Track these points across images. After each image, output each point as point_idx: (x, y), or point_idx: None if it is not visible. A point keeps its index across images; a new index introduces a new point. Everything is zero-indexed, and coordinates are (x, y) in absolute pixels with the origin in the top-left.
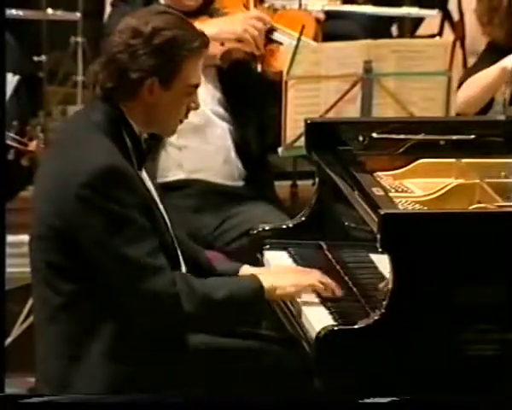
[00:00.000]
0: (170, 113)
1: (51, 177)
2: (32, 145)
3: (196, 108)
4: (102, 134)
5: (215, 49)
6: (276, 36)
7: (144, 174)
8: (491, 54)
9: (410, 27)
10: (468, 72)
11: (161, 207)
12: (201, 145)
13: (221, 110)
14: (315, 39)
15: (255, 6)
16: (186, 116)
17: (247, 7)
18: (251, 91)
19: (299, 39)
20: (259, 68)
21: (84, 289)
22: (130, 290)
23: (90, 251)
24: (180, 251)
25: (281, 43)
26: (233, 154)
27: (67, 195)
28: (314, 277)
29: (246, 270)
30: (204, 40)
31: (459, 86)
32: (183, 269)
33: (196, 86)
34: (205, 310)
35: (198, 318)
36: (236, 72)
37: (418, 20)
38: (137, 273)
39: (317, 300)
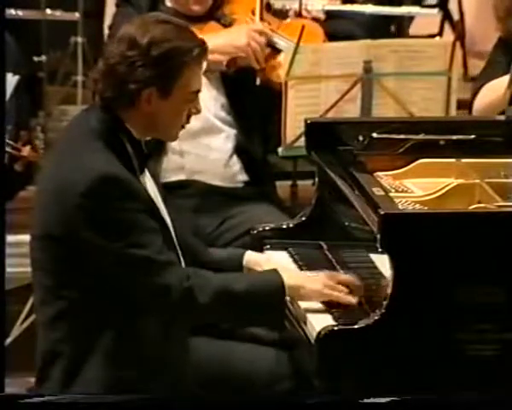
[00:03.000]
0: (170, 120)
1: (50, 184)
2: (26, 150)
3: (197, 112)
4: (100, 141)
5: (221, 56)
6: (281, 45)
7: (147, 177)
8: (504, 51)
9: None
10: (483, 74)
11: (163, 210)
12: (203, 150)
13: (224, 115)
14: None
15: (261, 14)
16: (188, 121)
17: (255, 13)
18: (255, 96)
19: (299, 39)
20: (258, 81)
21: (84, 296)
22: (143, 290)
23: (95, 259)
24: (187, 256)
25: (280, 51)
26: (234, 157)
27: (67, 205)
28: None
29: (249, 256)
30: (203, 48)
31: (476, 92)
32: None
33: (197, 92)
34: (221, 303)
35: (214, 311)
36: (241, 76)
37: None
38: (149, 271)
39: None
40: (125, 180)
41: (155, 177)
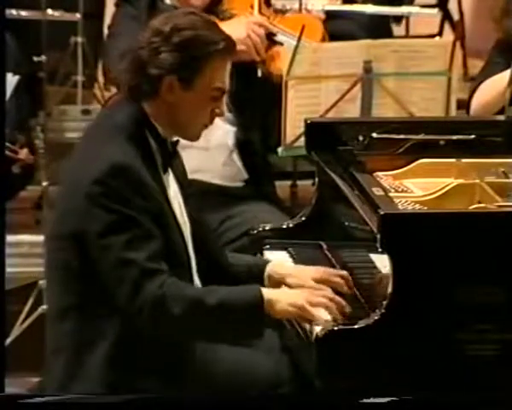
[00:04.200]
0: (192, 115)
1: (68, 176)
2: (23, 153)
3: (221, 114)
4: (123, 136)
5: None
6: (280, 37)
7: (170, 177)
8: (502, 52)
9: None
10: (481, 74)
11: (180, 212)
12: (202, 147)
13: (225, 112)
14: (323, 42)
15: (260, 9)
16: (211, 122)
17: (254, 8)
18: (256, 93)
19: (299, 39)
20: (259, 73)
21: (92, 290)
22: (120, 292)
23: (91, 249)
24: (197, 261)
25: (282, 44)
26: (234, 155)
27: (79, 192)
28: (320, 297)
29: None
30: (229, 44)
31: (474, 90)
32: (196, 278)
33: (222, 91)
34: (194, 314)
35: (187, 322)
36: (242, 73)
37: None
38: (133, 275)
39: None
40: (138, 175)
41: (179, 176)
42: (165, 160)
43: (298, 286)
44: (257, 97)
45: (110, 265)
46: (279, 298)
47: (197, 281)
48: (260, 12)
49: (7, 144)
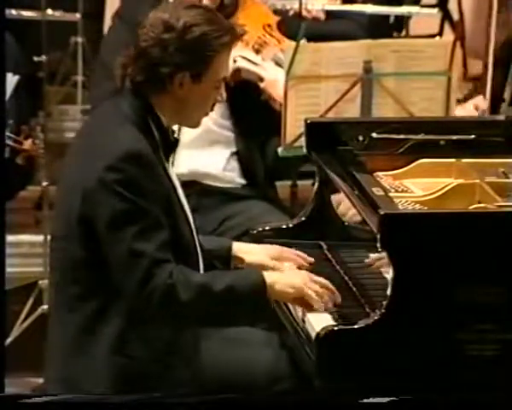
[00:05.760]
0: (199, 106)
1: (77, 166)
2: (27, 144)
3: (221, 100)
4: (130, 124)
5: None
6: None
7: (171, 167)
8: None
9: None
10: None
11: (184, 199)
12: (201, 155)
13: (223, 120)
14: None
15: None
16: (212, 109)
17: (267, 30)
18: (255, 103)
19: (298, 40)
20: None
21: (97, 278)
22: (130, 281)
23: (100, 236)
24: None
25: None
26: (233, 161)
27: (91, 178)
28: (316, 285)
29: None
30: (234, 33)
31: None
32: (201, 264)
33: (224, 79)
34: (203, 300)
35: (196, 307)
36: (242, 84)
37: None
38: (140, 266)
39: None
40: (151, 162)
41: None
42: (166, 149)
43: (259, 263)
44: (257, 107)
45: (120, 255)
46: (278, 280)
47: (201, 270)
48: (272, 35)
49: (11, 135)
